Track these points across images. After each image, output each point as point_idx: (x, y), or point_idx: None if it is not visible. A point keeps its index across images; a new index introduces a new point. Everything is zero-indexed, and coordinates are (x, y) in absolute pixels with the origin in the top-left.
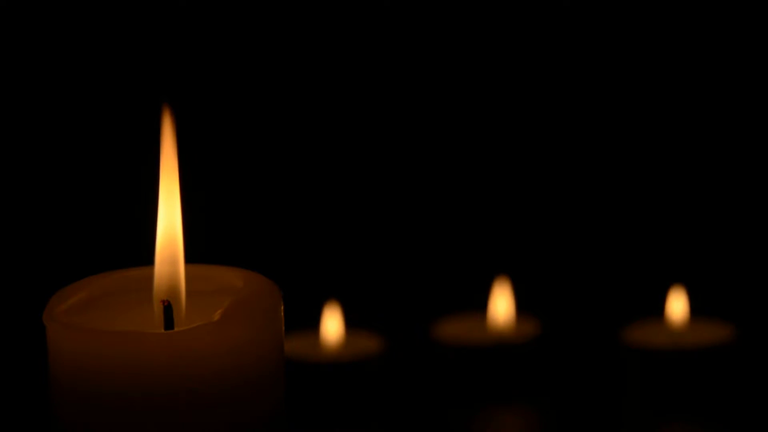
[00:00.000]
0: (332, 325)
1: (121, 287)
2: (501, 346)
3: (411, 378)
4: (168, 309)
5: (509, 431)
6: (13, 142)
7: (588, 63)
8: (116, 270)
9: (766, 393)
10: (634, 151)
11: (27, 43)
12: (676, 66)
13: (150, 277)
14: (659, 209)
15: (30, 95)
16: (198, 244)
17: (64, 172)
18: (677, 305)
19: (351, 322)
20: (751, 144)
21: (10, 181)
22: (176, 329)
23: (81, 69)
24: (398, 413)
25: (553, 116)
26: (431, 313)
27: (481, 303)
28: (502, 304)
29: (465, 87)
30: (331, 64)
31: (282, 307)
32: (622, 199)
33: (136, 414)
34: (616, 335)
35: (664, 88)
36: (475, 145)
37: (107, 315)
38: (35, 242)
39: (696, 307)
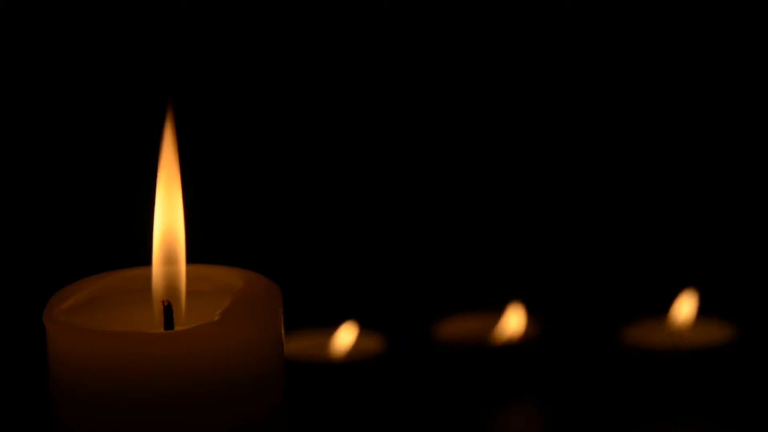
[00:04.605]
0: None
1: (121, 287)
2: (501, 347)
3: (411, 378)
4: (168, 309)
5: (509, 431)
6: (13, 142)
7: (588, 64)
8: (116, 270)
9: (767, 393)
10: (634, 150)
11: (27, 43)
12: (677, 66)
13: (150, 277)
14: (660, 209)
15: (30, 96)
16: (198, 244)
17: (64, 173)
18: (685, 308)
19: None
20: (751, 144)
21: (10, 182)
22: (176, 329)
23: (82, 70)
24: (399, 413)
25: (554, 115)
26: (431, 313)
27: (480, 303)
28: (515, 321)
29: (463, 90)
30: (335, 65)
31: (282, 307)
32: (623, 199)
33: (136, 414)
34: (616, 335)
35: (665, 88)
36: (476, 145)
37: (107, 315)
38: (35, 242)
39: (696, 308)
